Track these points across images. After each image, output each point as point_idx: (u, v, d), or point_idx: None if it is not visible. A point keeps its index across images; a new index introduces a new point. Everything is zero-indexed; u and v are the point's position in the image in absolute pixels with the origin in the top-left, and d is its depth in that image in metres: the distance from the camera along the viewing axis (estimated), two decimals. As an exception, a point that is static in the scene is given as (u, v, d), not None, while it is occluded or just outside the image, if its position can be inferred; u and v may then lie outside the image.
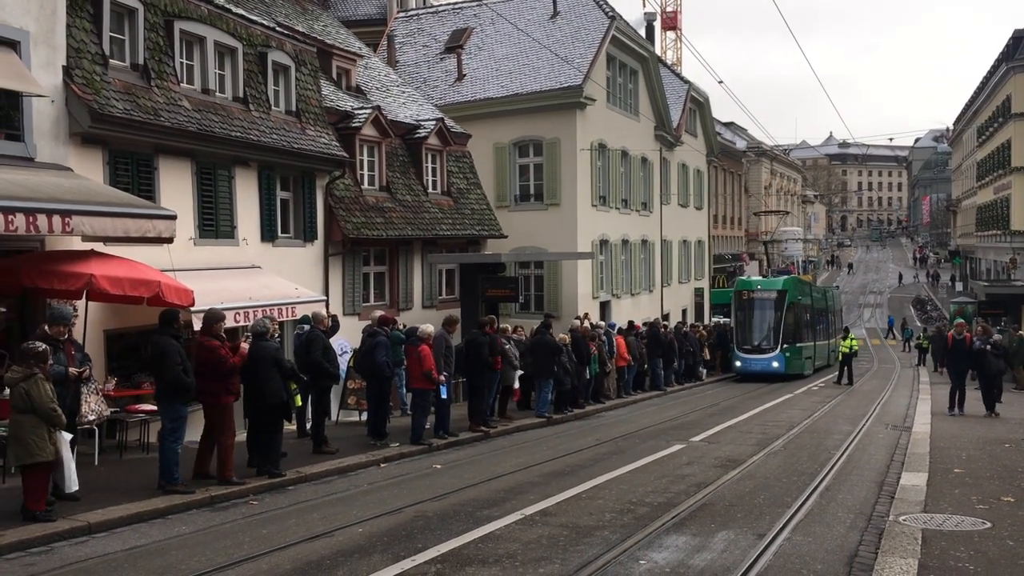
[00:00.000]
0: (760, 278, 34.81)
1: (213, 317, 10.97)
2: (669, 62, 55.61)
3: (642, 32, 42.24)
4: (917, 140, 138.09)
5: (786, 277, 34.84)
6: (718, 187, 52.05)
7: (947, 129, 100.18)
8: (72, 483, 9.25)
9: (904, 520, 8.92)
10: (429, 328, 14.74)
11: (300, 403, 14.07)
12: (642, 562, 7.69)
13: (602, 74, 29.54)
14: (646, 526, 8.98)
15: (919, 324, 57.89)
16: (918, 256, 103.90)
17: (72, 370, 9.91)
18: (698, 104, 42.99)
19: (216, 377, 10.63)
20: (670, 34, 68.27)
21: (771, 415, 19.86)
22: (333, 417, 15.99)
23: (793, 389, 26.97)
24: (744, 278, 35.95)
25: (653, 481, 11.58)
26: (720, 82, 28.64)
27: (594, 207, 29.05)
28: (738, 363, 30.53)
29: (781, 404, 22.40)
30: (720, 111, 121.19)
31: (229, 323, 13.41)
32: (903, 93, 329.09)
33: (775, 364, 29.78)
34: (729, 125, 69.64)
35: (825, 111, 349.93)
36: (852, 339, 31.01)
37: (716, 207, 50.96)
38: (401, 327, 16.37)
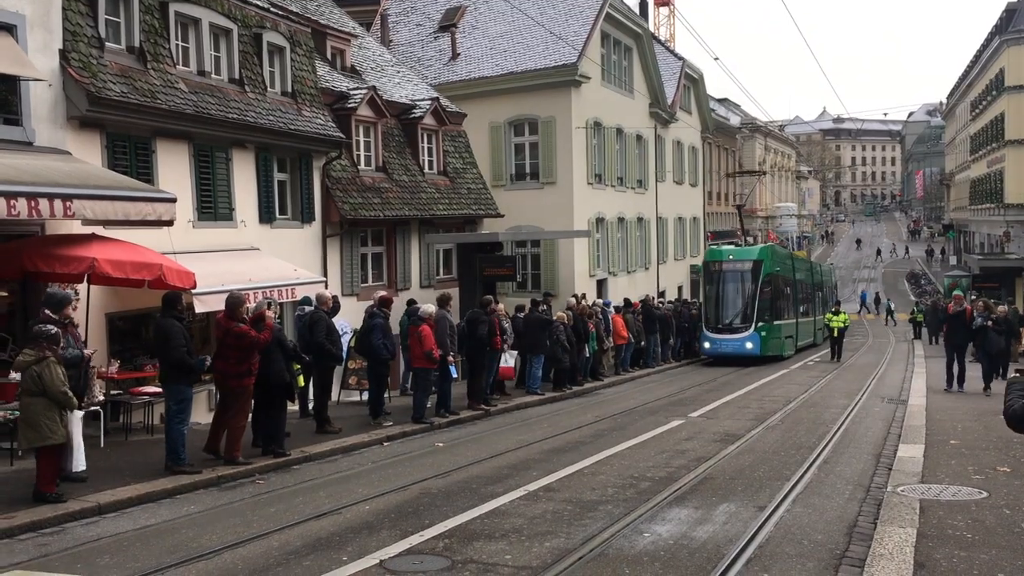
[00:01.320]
0: (732, 247, 30.71)
1: (236, 301, 10.98)
2: (663, 39, 55.51)
3: (636, 9, 42.10)
4: (911, 114, 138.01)
5: (763, 246, 31.17)
6: (713, 164, 52.05)
7: (940, 103, 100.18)
8: (79, 463, 9.35)
9: (902, 491, 9.07)
10: (431, 308, 14.82)
11: (303, 383, 14.14)
12: (645, 535, 7.83)
13: (597, 52, 29.49)
14: (648, 500, 9.12)
15: (912, 298, 58.09)
16: (913, 230, 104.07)
17: (87, 351, 10.00)
18: (692, 81, 42.96)
19: (243, 360, 10.70)
20: (663, 10, 68.00)
21: (768, 390, 20.03)
22: (335, 397, 16.09)
23: (789, 364, 27.17)
24: (715, 247, 32.25)
25: (654, 456, 11.72)
26: (716, 59, 28.75)
27: (590, 185, 29.09)
28: (706, 344, 27.49)
29: (777, 379, 22.57)
30: (714, 87, 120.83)
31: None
32: (898, 67, 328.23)
33: (748, 345, 26.67)
34: (723, 101, 69.56)
35: (820, 86, 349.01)
36: (843, 315, 30.10)
37: (711, 184, 50.98)
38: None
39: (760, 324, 26.84)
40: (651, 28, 48.68)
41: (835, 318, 29.49)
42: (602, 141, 30.12)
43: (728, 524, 8.15)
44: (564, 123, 27.55)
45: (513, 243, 26.84)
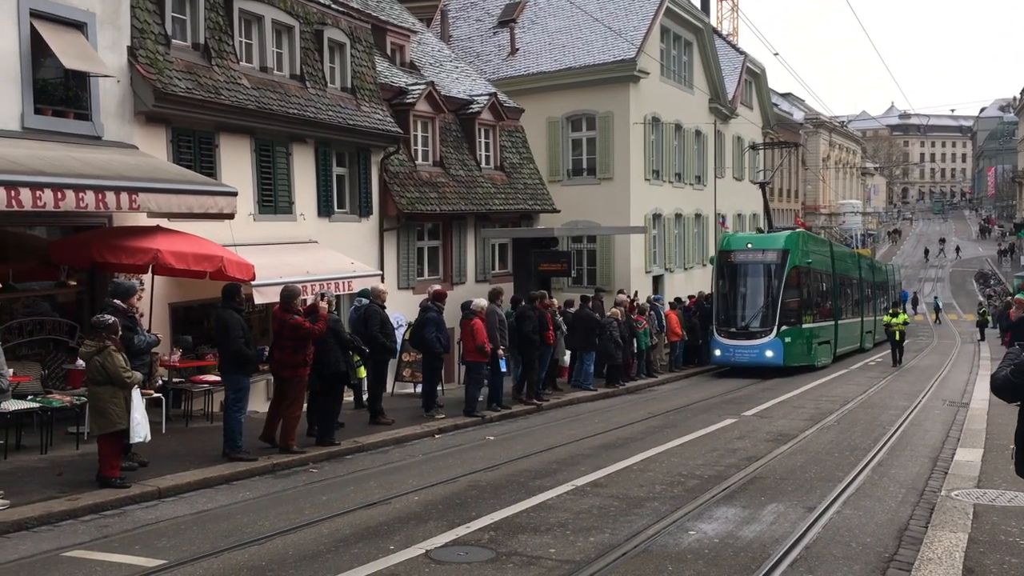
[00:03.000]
0: (752, 234, 26.69)
1: (291, 293, 11.21)
2: (725, 33, 54.90)
3: (697, 3, 41.69)
4: (982, 110, 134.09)
5: (789, 232, 25.70)
6: (774, 160, 51.33)
7: (1014, 98, 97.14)
8: (136, 435, 9.06)
9: (956, 495, 8.92)
10: (482, 302, 14.96)
11: (363, 374, 14.32)
12: (691, 532, 7.83)
13: (656, 47, 29.29)
14: (696, 498, 9.11)
15: (981, 299, 56.54)
16: (983, 228, 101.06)
17: (158, 335, 10.40)
18: (754, 75, 42.41)
19: (298, 350, 10.95)
20: (727, 4, 67.23)
21: (825, 390, 19.75)
22: (389, 389, 16.32)
23: (848, 364, 26.70)
24: (731, 233, 27.77)
25: (704, 454, 11.68)
26: (775, 54, 28.38)
27: (647, 181, 28.93)
28: (717, 351, 23.38)
29: (836, 380, 22.23)
30: (778, 82, 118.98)
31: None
32: (968, 62, 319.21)
33: (768, 353, 22.54)
34: (787, 96, 68.54)
35: (889, 80, 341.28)
36: (903, 315, 27.10)
37: (772, 180, 50.27)
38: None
39: (784, 328, 22.73)
40: (713, 22, 48.26)
41: (894, 320, 26.72)
42: (660, 137, 29.91)
43: (775, 524, 8.11)
44: (622, 118, 27.44)
45: (569, 238, 26.84)
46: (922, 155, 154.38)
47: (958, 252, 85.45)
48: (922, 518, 8.22)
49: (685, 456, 11.55)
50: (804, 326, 23.58)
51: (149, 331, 11.12)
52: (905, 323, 27.08)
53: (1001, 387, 6.19)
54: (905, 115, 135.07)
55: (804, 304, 23.63)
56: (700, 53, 33.74)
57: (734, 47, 42.56)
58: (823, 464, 11.05)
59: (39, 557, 7.08)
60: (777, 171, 52.03)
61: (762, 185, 29.14)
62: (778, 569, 6.80)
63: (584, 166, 28.22)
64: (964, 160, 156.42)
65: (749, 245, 23.75)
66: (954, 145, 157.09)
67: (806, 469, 10.74)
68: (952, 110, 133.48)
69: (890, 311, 28.59)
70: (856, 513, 8.54)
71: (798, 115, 64.88)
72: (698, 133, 33.67)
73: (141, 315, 11.12)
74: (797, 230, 27.35)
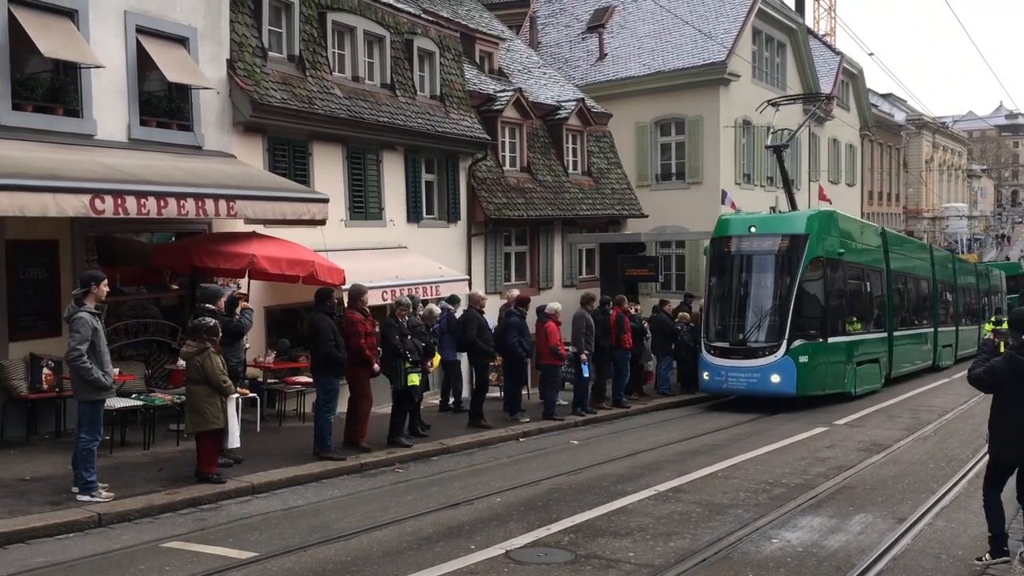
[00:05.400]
0: (758, 215, 19.69)
1: (356, 292, 11.58)
2: (822, 32, 53.59)
3: (791, 3, 40.88)
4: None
5: (811, 212, 19.54)
6: (873, 162, 49.89)
7: None
8: (234, 441, 9.75)
9: (1057, 510, 8.55)
10: (556, 305, 15.10)
11: (416, 382, 12.69)
12: (774, 540, 7.73)
13: (747, 49, 28.86)
14: (781, 506, 8.98)
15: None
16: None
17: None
18: (851, 76, 41.31)
19: (350, 348, 11.19)
20: (823, 3, 65.61)
21: (923, 400, 19.11)
22: (465, 393, 16.42)
23: (951, 374, 25.72)
24: (728, 214, 20.01)
25: (791, 463, 11.48)
26: (870, 54, 27.77)
27: (738, 185, 28.48)
28: (705, 374, 17.43)
29: (936, 389, 21.47)
30: (880, 82, 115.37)
31: (376, 301, 14.17)
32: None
33: (775, 378, 16.43)
34: (887, 96, 66.44)
35: (995, 79, 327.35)
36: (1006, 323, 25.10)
37: (871, 183, 48.87)
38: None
39: (799, 342, 16.62)
40: (809, 22, 47.25)
41: (996, 328, 25.16)
42: (751, 140, 29.43)
43: (863, 534, 7.94)
44: (712, 122, 27.13)
45: (657, 243, 26.63)
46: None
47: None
48: (1020, 532, 7.92)
49: (772, 464, 11.37)
50: (831, 340, 17.33)
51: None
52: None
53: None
54: (1013, 115, 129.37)
55: (831, 309, 17.52)
56: (793, 54, 33.07)
57: (830, 47, 41.52)
58: (917, 475, 10.74)
59: (140, 547, 7.45)
60: (876, 173, 50.55)
61: (777, 150, 20.89)
62: (863, 580, 6.67)
63: (673, 171, 27.98)
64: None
65: (752, 229, 17.65)
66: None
67: (899, 480, 10.45)
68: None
69: (991, 319, 26.77)
70: (949, 525, 8.29)
71: (899, 116, 62.78)
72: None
73: (245, 296, 11.59)
74: (824, 209, 20.29)
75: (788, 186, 21.49)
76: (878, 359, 20.15)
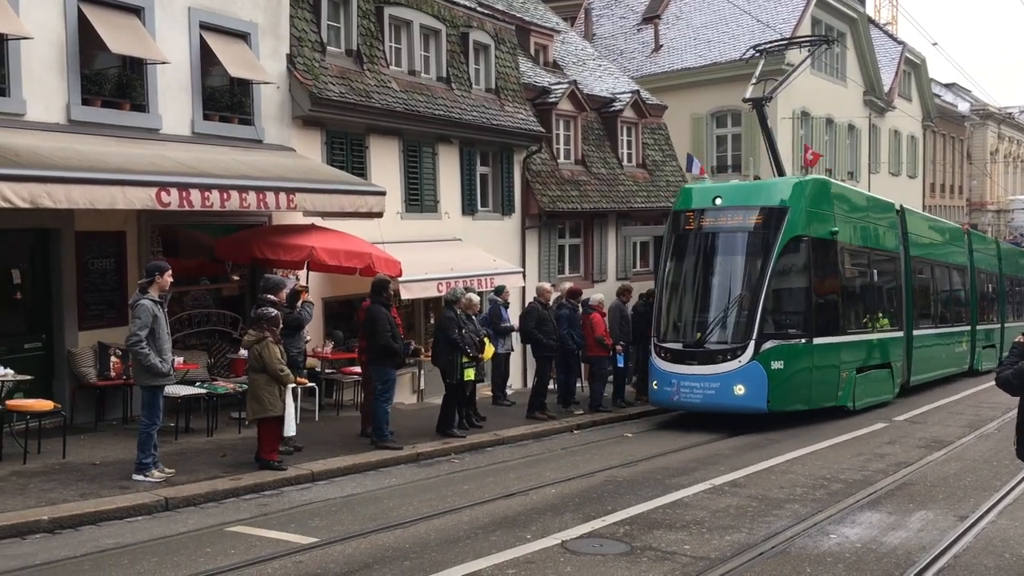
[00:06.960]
0: (725, 183, 17.13)
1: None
2: (883, 22, 52.46)
3: (852, -9, 40.13)
4: None
5: (795, 179, 15.31)
6: (935, 154, 48.75)
7: None
8: (291, 429, 9.86)
9: None
10: (600, 296, 15.11)
11: (471, 377, 12.41)
12: (832, 536, 7.67)
13: (806, 38, 28.40)
14: (839, 501, 8.89)
15: None
16: None
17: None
18: (913, 66, 40.41)
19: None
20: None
21: (986, 396, 18.64)
22: (527, 384, 16.56)
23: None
24: (693, 184, 16.19)
25: (850, 458, 11.34)
26: (934, 44, 27.08)
27: (795, 176, 28.10)
28: (655, 383, 14.15)
29: (990, 389, 20.90)
30: (943, 71, 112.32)
31: (431, 293, 14.34)
32: None
33: (738, 389, 13.22)
34: (951, 86, 64.77)
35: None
36: None
37: (933, 175, 47.78)
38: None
39: (770, 344, 13.43)
40: (870, 10, 46.31)
41: None
42: (810, 131, 29.03)
43: (923, 532, 7.83)
44: (769, 113, 26.67)
45: (713, 236, 26.35)
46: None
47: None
48: (1086, 532, 7.76)
49: (830, 459, 11.25)
50: (818, 340, 14.03)
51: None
52: None
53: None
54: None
55: (820, 303, 14.34)
56: (854, 44, 32.50)
57: (892, 37, 40.68)
58: (979, 472, 10.54)
59: (205, 531, 7.67)
60: (939, 165, 49.40)
61: (756, 103, 16.89)
62: (923, 577, 6.59)
63: (729, 162, 27.74)
64: None
65: (717, 201, 14.21)
66: None
67: (960, 477, 10.27)
68: None
69: None
70: (1012, 524, 8.14)
71: (963, 106, 61.17)
72: (851, 127, 32.45)
73: (306, 289, 11.82)
74: (811, 177, 15.61)
75: (776, 155, 17.28)
76: (890, 363, 16.77)
